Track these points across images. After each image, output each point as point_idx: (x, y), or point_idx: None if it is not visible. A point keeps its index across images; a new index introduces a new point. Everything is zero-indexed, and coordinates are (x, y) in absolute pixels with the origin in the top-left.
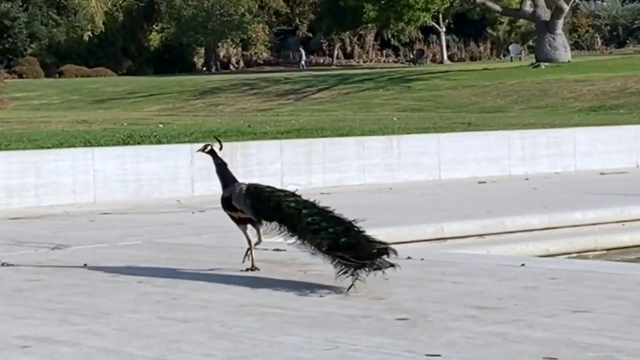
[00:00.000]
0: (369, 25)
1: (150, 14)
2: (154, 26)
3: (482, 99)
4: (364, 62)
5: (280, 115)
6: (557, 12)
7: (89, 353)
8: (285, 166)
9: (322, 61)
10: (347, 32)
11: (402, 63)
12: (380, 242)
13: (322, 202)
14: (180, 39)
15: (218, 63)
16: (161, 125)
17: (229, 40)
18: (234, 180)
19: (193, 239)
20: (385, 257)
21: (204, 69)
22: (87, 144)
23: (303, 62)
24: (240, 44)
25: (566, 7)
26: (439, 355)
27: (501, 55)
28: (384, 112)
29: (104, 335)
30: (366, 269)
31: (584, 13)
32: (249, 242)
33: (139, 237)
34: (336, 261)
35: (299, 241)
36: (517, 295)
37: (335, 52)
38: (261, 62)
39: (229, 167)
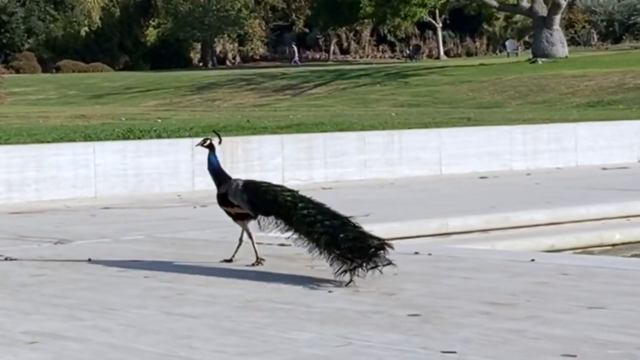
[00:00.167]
0: (366, 20)
1: (146, 9)
2: (150, 21)
3: (480, 94)
4: (360, 57)
5: (278, 111)
6: (554, 7)
7: (97, 349)
8: (286, 161)
9: (318, 57)
10: (344, 28)
11: (398, 59)
12: (377, 238)
13: (324, 197)
14: (177, 34)
15: (215, 58)
16: (159, 120)
17: (226, 35)
18: (228, 177)
19: (196, 234)
20: (382, 253)
21: (201, 64)
22: (87, 138)
23: (296, 58)
24: (236, 40)
25: (563, 3)
26: (454, 352)
27: (497, 51)
28: (382, 107)
29: (112, 331)
30: (364, 267)
31: (580, 9)
32: (250, 235)
33: (141, 231)
34: (333, 258)
35: (295, 235)
36: (529, 291)
37: (332, 47)
38: (257, 57)
39: (230, 162)
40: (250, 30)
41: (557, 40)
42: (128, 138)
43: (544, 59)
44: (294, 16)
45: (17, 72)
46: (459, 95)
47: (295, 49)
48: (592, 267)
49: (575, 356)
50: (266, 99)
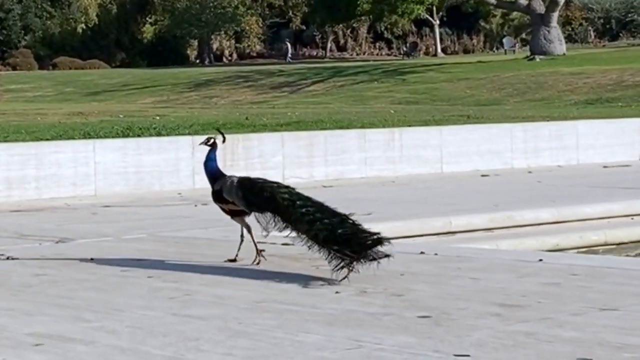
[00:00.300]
0: (363, 17)
1: (143, 6)
2: (147, 18)
3: (478, 91)
4: (357, 54)
5: (276, 108)
6: (552, 4)
7: (105, 352)
8: (286, 159)
9: (315, 54)
10: (341, 25)
11: (395, 56)
12: (374, 233)
13: (325, 196)
14: (174, 31)
15: (211, 55)
16: (158, 118)
17: (223, 32)
18: (223, 174)
19: (199, 233)
20: (379, 247)
21: (197, 61)
22: (87, 136)
23: (290, 55)
24: (233, 37)
25: (561, 0)
26: (467, 356)
27: (494, 48)
28: (379, 104)
29: (119, 333)
30: (362, 260)
31: (578, 6)
32: (249, 230)
33: (143, 230)
34: (332, 255)
35: (293, 232)
36: (540, 292)
37: (329, 44)
38: (254, 54)
39: (231, 160)
40: (247, 27)
41: (555, 37)
42: (127, 136)
43: (541, 57)
44: (290, 13)
45: (14, 69)
46: (457, 93)
47: (289, 45)
48: (601, 268)
49: (591, 359)
50: (263, 96)
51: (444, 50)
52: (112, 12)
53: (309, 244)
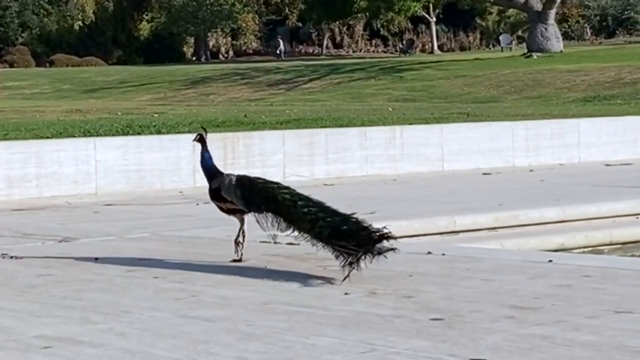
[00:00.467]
0: (359, 15)
1: (140, 4)
2: (144, 16)
3: (475, 89)
4: (353, 52)
5: (274, 105)
6: (549, 2)
7: (115, 355)
8: (287, 157)
9: (311, 51)
10: (337, 22)
11: (391, 53)
12: (379, 229)
13: (326, 194)
14: (171, 28)
15: (208, 53)
16: (156, 115)
17: (219, 29)
18: (221, 172)
19: (202, 232)
20: (385, 242)
21: (194, 58)
22: (87, 133)
23: (280, 51)
24: (229, 34)
25: None
26: None
27: (490, 46)
28: (377, 102)
29: (128, 335)
30: (369, 255)
31: (574, 3)
32: (244, 233)
33: (146, 229)
34: (337, 251)
35: (296, 232)
36: (553, 294)
37: (325, 41)
38: (250, 51)
39: (232, 157)
40: (244, 25)
41: (552, 34)
42: (127, 133)
43: (539, 54)
44: (287, 10)
45: (11, 66)
46: (454, 90)
47: (282, 42)
48: (612, 269)
49: None
50: (260, 93)
51: (440, 47)
52: (109, 9)
53: (312, 242)
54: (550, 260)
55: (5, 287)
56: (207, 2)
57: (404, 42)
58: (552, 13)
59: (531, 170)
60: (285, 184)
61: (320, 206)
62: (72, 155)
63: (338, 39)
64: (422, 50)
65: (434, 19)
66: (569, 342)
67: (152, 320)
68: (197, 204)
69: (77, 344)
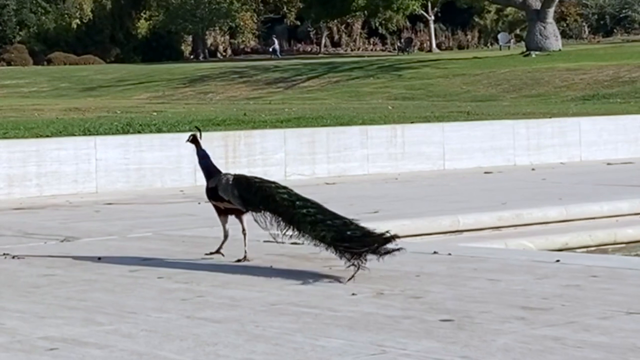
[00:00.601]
0: (357, 13)
1: (138, 2)
2: (142, 14)
3: (474, 87)
4: (352, 50)
5: (273, 104)
6: (547, 0)
7: (122, 357)
8: (288, 156)
9: (309, 49)
10: (335, 21)
11: (389, 51)
12: (382, 233)
13: (329, 193)
14: (169, 27)
15: (206, 51)
16: (155, 113)
17: (217, 28)
18: (218, 171)
19: (205, 231)
20: (389, 244)
21: (192, 57)
22: (87, 132)
23: (272, 50)
24: (228, 32)
25: None
26: None
27: (488, 44)
28: (375, 100)
29: (134, 336)
30: (376, 254)
31: (572, 2)
32: (226, 235)
33: (148, 228)
34: (341, 252)
35: (296, 232)
36: (562, 295)
37: (323, 40)
38: (248, 50)
39: (233, 156)
40: (242, 23)
41: (551, 33)
42: (128, 132)
43: (537, 52)
44: (285, 9)
45: (9, 64)
46: (453, 89)
47: (276, 41)
48: (620, 269)
49: None
50: (259, 91)
51: (438, 45)
52: (107, 7)
53: (314, 242)
54: (558, 260)
55: (8, 287)
56: (205, 0)
57: (402, 40)
58: (551, 11)
59: (533, 169)
60: (287, 183)
61: (318, 207)
62: (73, 154)
63: (336, 37)
64: (421, 49)
65: (432, 17)
66: (580, 344)
67: (158, 322)
68: (199, 203)
69: (82, 346)
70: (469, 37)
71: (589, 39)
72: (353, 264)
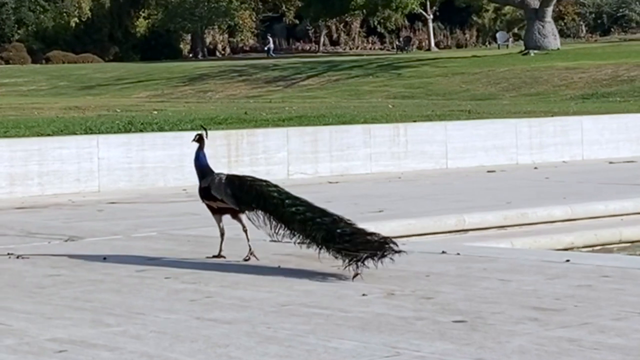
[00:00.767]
0: (356, 12)
1: (137, 0)
2: (140, 12)
3: (473, 86)
4: (350, 49)
5: (272, 102)
6: None
7: (132, 359)
8: (291, 154)
9: (308, 48)
10: (334, 19)
11: (388, 50)
12: (376, 234)
13: (332, 192)
14: (167, 25)
15: (205, 49)
16: (155, 112)
17: (216, 27)
18: (212, 171)
19: (210, 231)
20: (388, 246)
21: (191, 55)
22: (88, 131)
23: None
24: (226, 31)
25: None
26: None
27: (487, 43)
28: (375, 99)
29: (144, 338)
30: (374, 258)
31: (570, 1)
32: (222, 232)
33: (153, 228)
34: (335, 253)
35: (287, 231)
36: (574, 295)
37: (322, 39)
38: (247, 48)
39: (235, 155)
40: (241, 22)
41: (549, 32)
42: (129, 131)
43: (536, 51)
44: (284, 7)
45: (7, 63)
46: (452, 87)
47: (271, 40)
48: (631, 269)
49: None
50: (258, 90)
51: (437, 44)
52: (106, 6)
53: (306, 242)
54: (568, 260)
55: (14, 287)
56: None
57: (401, 39)
58: (550, 10)
59: (535, 168)
60: (289, 182)
61: (307, 205)
62: (75, 153)
63: (335, 36)
64: (419, 48)
65: (431, 16)
66: (597, 345)
67: (167, 323)
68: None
69: (91, 347)
70: (467, 36)
71: (587, 38)
72: (350, 265)
